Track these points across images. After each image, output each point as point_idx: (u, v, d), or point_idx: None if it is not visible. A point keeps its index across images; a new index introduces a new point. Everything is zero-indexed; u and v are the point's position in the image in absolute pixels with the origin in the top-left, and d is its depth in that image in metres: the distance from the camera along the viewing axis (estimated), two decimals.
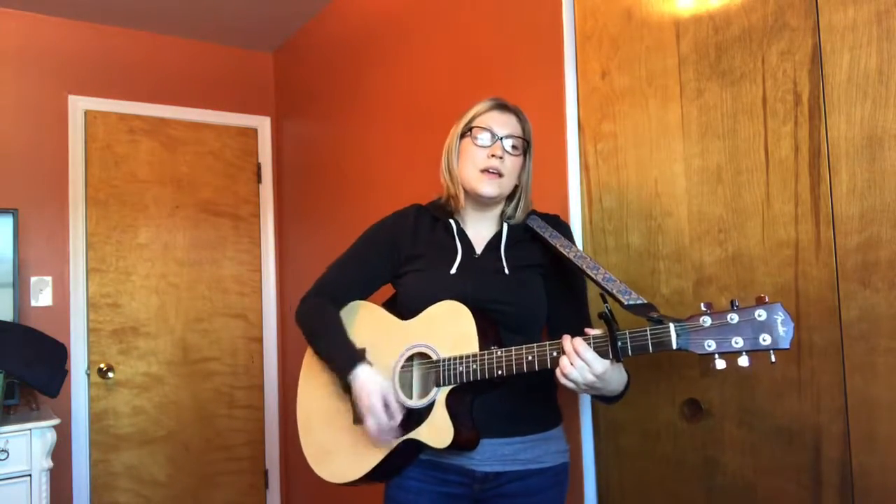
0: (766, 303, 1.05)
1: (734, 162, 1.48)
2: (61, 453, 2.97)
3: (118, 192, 3.33)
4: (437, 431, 1.33)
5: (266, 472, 3.64)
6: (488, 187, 1.43)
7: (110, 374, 3.22)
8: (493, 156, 1.42)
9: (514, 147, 1.45)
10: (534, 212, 1.55)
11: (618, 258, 1.74)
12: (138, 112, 3.41)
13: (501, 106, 1.48)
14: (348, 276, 1.57)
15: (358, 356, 1.43)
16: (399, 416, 1.37)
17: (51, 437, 2.52)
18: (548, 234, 1.45)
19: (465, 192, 1.48)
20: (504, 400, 1.39)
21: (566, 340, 1.18)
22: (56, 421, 2.54)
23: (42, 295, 3.09)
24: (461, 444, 1.33)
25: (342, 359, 1.44)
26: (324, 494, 3.23)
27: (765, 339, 1.04)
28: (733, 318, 1.06)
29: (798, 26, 1.37)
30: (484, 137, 1.44)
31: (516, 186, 1.50)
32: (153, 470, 3.31)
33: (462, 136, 1.49)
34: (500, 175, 1.43)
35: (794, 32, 1.38)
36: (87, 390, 3.17)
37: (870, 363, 1.26)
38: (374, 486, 1.55)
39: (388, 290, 1.60)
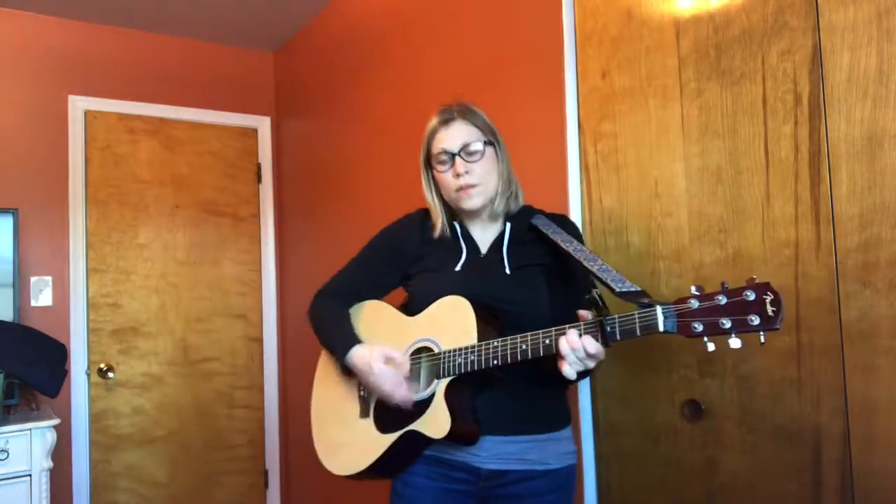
0: (755, 283, 1.04)
1: (734, 162, 1.48)
2: (61, 453, 2.97)
3: (118, 192, 3.33)
4: (435, 421, 1.34)
5: (266, 472, 3.64)
6: (469, 202, 1.45)
7: (110, 374, 3.23)
8: (457, 175, 1.43)
9: (472, 153, 1.44)
10: (541, 212, 1.55)
11: (618, 258, 1.74)
12: (138, 112, 3.41)
13: (444, 121, 1.47)
14: (358, 278, 1.61)
15: (355, 339, 1.47)
16: (407, 364, 1.40)
17: (51, 437, 2.52)
18: (550, 230, 1.46)
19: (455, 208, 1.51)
20: (511, 397, 1.40)
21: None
22: (56, 421, 2.54)
23: (42, 295, 3.09)
24: (459, 436, 1.34)
25: (341, 344, 1.48)
26: (324, 494, 3.23)
27: (753, 320, 1.03)
28: (721, 299, 1.06)
29: (798, 26, 1.37)
30: (443, 160, 1.45)
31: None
32: (153, 470, 3.31)
33: (427, 165, 1.51)
34: (473, 186, 1.44)
35: (794, 32, 1.38)
36: (87, 390, 3.17)
37: (870, 363, 1.26)
38: (377, 487, 1.55)
39: (403, 294, 1.61)
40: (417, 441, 1.39)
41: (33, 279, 3.07)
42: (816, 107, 1.34)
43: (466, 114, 1.47)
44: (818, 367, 1.34)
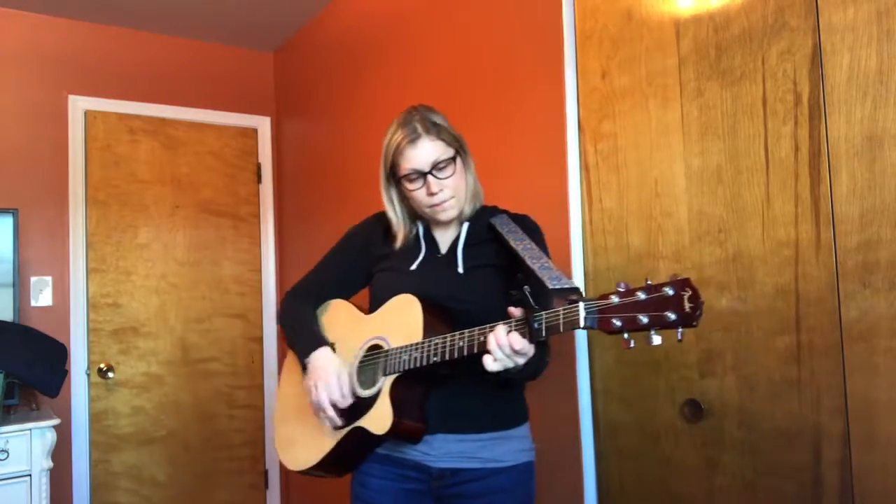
0: (675, 280, 1.03)
1: (734, 162, 1.48)
2: (61, 453, 2.97)
3: (118, 192, 3.33)
4: (379, 418, 1.35)
5: (266, 472, 3.64)
6: (444, 215, 1.46)
7: (110, 374, 3.22)
8: (431, 193, 1.42)
9: (444, 170, 1.43)
10: (505, 212, 1.54)
11: (618, 258, 1.74)
12: (138, 112, 3.41)
13: (410, 139, 1.43)
14: (325, 278, 1.63)
15: (320, 342, 1.49)
16: (349, 395, 1.41)
17: (51, 437, 2.52)
18: (506, 230, 1.45)
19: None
20: (462, 396, 1.40)
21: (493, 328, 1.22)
22: (56, 421, 2.54)
23: (42, 295, 3.09)
24: (403, 432, 1.34)
25: (305, 344, 1.51)
26: (323, 494, 3.23)
27: (670, 316, 1.01)
28: (641, 295, 1.05)
29: (798, 26, 1.37)
30: (413, 180, 1.44)
31: None
32: (153, 470, 3.31)
33: (393, 177, 1.49)
34: (447, 200, 1.44)
35: (794, 32, 1.38)
36: (87, 390, 3.17)
37: (870, 363, 1.26)
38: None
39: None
40: (364, 438, 1.39)
41: (33, 279, 3.07)
42: (816, 107, 1.34)
43: (431, 128, 1.43)
44: (818, 367, 1.34)
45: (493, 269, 1.46)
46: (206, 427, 3.48)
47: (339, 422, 1.41)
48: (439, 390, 1.39)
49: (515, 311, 1.21)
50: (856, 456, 1.28)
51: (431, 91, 2.46)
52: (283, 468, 3.65)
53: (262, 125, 3.78)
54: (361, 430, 1.38)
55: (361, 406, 1.40)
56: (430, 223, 1.53)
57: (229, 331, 3.59)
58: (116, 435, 3.23)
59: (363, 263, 1.59)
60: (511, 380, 1.35)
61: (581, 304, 1.09)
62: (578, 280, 1.83)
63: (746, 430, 1.46)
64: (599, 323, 1.08)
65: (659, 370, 1.63)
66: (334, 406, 1.40)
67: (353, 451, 1.45)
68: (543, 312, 1.15)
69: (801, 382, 1.36)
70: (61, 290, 3.14)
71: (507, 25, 2.11)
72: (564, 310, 1.11)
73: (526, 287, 1.20)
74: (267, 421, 3.66)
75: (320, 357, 1.47)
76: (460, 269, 1.46)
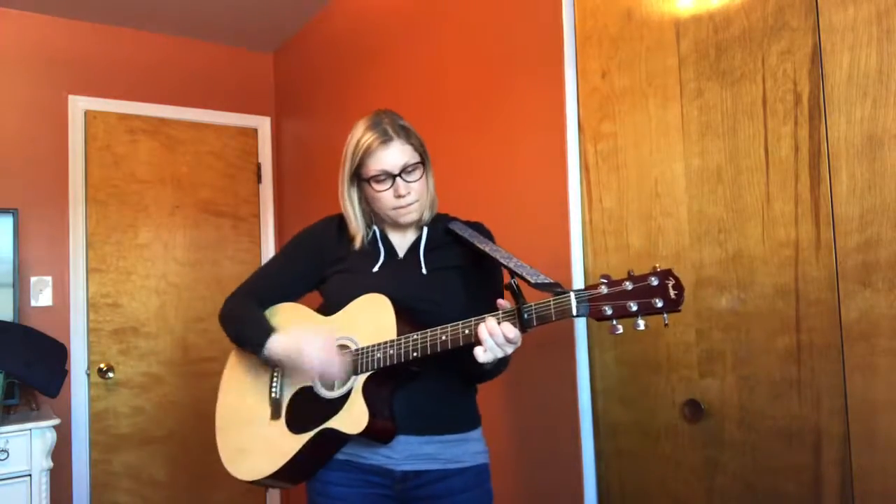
0: (658, 271, 1.13)
1: (734, 162, 1.48)
2: (61, 453, 2.97)
3: (118, 192, 3.33)
4: (352, 417, 1.34)
5: None
6: (407, 218, 1.47)
7: (110, 374, 3.22)
8: (399, 196, 1.44)
9: (412, 173, 1.45)
10: (457, 219, 1.57)
11: (618, 258, 1.74)
12: (138, 112, 3.41)
13: (382, 140, 1.44)
14: (273, 280, 1.61)
15: (271, 329, 1.46)
16: (334, 340, 1.38)
17: (51, 437, 2.52)
18: (467, 234, 1.48)
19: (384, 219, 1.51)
20: (425, 398, 1.41)
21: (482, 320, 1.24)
22: (56, 421, 2.54)
23: (42, 295, 3.09)
24: (376, 432, 1.34)
25: (256, 335, 1.46)
26: None
27: (657, 303, 1.11)
28: (628, 285, 1.14)
29: (798, 26, 1.37)
30: (381, 181, 1.45)
31: None
32: (153, 470, 3.31)
33: (356, 177, 1.50)
34: (412, 203, 1.46)
35: (794, 32, 1.38)
36: (87, 390, 3.17)
37: (870, 363, 1.26)
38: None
39: (316, 299, 1.59)
40: (332, 440, 1.38)
41: (33, 279, 3.07)
42: (816, 107, 1.34)
43: (401, 133, 1.46)
44: (818, 367, 1.34)
45: (455, 271, 1.48)
46: (206, 427, 3.47)
47: (310, 433, 1.39)
48: (403, 391, 1.39)
49: (504, 303, 1.25)
50: (856, 456, 1.28)
51: (431, 91, 2.46)
52: None
53: (262, 125, 3.78)
54: (331, 430, 1.36)
55: (328, 407, 1.38)
56: (385, 227, 1.54)
57: None
58: (116, 435, 3.23)
59: (316, 266, 1.56)
60: (485, 374, 1.39)
61: (572, 294, 1.17)
62: (578, 279, 1.84)
63: (746, 430, 1.46)
64: (591, 310, 1.16)
65: (659, 370, 1.63)
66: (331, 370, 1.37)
67: (317, 455, 1.42)
68: (532, 304, 1.20)
69: (801, 382, 1.36)
70: (61, 290, 3.14)
71: (507, 26, 2.11)
72: (555, 300, 1.18)
73: (514, 280, 1.22)
74: None
75: (279, 339, 1.42)
76: (424, 271, 1.47)
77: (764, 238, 1.43)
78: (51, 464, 2.52)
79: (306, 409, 1.42)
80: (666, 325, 1.13)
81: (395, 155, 1.44)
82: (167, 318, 3.41)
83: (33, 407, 2.77)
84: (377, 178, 1.45)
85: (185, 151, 3.53)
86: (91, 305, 3.21)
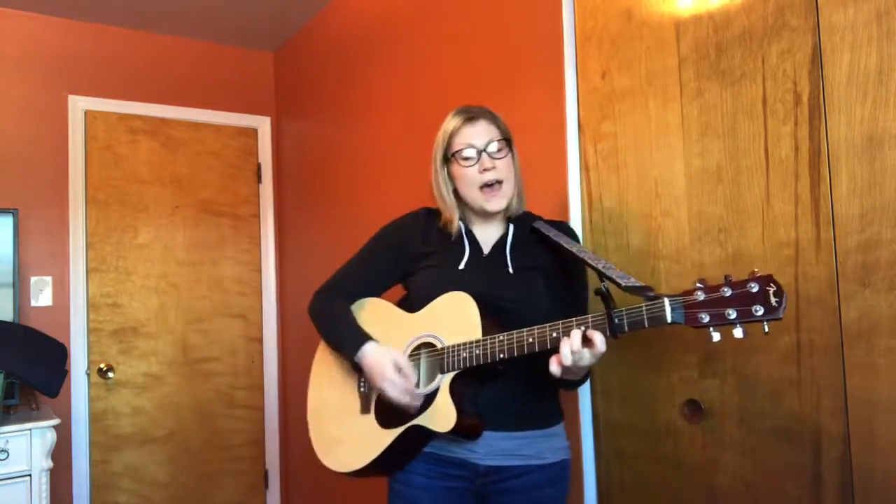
0: (758, 276, 1.07)
1: (734, 162, 1.48)
2: (61, 453, 2.97)
3: (118, 192, 3.33)
4: (440, 416, 1.35)
5: (266, 472, 3.64)
6: (494, 204, 1.47)
7: (110, 374, 3.22)
8: (485, 170, 1.46)
9: (499, 150, 1.48)
10: (541, 218, 1.58)
11: (618, 258, 1.74)
12: (138, 112, 3.41)
13: (468, 118, 1.49)
14: (359, 275, 1.62)
15: (365, 337, 1.48)
16: (413, 377, 1.40)
17: (51, 437, 2.52)
18: (552, 233, 1.49)
19: (471, 209, 1.52)
20: (509, 395, 1.42)
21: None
22: (56, 421, 2.54)
23: (42, 295, 3.09)
24: (464, 429, 1.35)
25: (350, 341, 1.49)
26: (324, 495, 3.23)
27: (758, 310, 1.06)
28: (727, 291, 1.09)
29: (798, 26, 1.37)
30: (469, 156, 1.47)
31: None
32: (153, 470, 3.31)
33: (446, 160, 1.52)
34: (499, 183, 1.47)
35: (794, 32, 1.38)
36: (87, 390, 3.17)
37: (870, 363, 1.26)
38: (377, 486, 1.55)
39: (399, 292, 1.62)
40: (421, 436, 1.40)
41: (33, 279, 3.07)
42: (816, 107, 1.34)
43: (487, 114, 1.50)
44: (818, 367, 1.34)
45: (540, 271, 1.48)
46: (206, 427, 3.48)
47: (399, 430, 1.41)
48: (488, 388, 1.40)
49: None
50: (856, 456, 1.28)
51: (431, 91, 2.46)
52: (283, 468, 3.65)
53: (262, 125, 3.78)
54: (419, 427, 1.38)
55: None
56: (471, 220, 1.54)
57: (229, 331, 3.59)
58: (116, 435, 3.23)
59: (400, 261, 1.57)
60: (567, 382, 1.38)
61: (666, 300, 1.12)
62: None
63: (746, 430, 1.46)
64: (686, 318, 1.11)
65: (659, 370, 1.63)
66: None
67: (407, 449, 1.45)
68: (624, 308, 1.16)
69: (801, 382, 1.36)
70: (61, 290, 3.14)
71: (507, 25, 2.11)
72: (647, 305, 1.14)
73: (604, 284, 1.20)
74: (267, 421, 3.66)
75: (371, 352, 1.44)
76: (510, 270, 1.47)
77: (764, 238, 1.43)
78: (51, 464, 2.52)
79: (395, 404, 1.42)
80: (766, 333, 1.08)
81: (481, 131, 1.47)
82: (167, 318, 3.41)
83: (33, 407, 2.77)
84: (463, 155, 1.47)
85: (185, 151, 3.53)
86: (91, 305, 3.21)
